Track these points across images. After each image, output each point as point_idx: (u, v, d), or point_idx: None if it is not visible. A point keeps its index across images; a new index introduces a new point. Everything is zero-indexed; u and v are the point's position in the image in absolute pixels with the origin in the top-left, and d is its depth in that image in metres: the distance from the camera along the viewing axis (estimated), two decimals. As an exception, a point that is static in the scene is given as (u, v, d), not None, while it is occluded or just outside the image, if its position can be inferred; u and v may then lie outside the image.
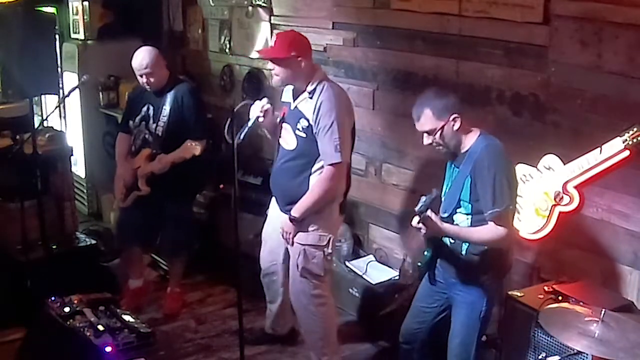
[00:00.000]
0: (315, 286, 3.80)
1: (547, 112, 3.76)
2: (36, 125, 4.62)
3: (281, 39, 3.65)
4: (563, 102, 3.67)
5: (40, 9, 5.25)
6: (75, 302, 3.69)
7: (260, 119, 3.67)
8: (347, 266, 4.75)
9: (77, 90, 5.05)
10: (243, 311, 3.57)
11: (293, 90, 3.72)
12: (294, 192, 3.70)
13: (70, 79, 6.05)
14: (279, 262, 3.99)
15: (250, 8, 5.63)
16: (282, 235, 3.79)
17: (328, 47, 5.02)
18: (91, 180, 6.28)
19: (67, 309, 3.62)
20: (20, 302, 4.17)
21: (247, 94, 5.57)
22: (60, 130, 5.66)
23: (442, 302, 3.39)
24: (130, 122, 4.55)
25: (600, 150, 3.39)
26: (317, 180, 3.64)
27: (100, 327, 3.47)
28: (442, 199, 3.27)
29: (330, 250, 3.78)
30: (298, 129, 3.65)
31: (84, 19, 6.15)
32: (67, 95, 4.68)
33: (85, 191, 6.33)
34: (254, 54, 5.58)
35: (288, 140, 3.73)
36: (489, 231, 3.09)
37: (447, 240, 3.26)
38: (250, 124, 3.57)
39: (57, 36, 5.54)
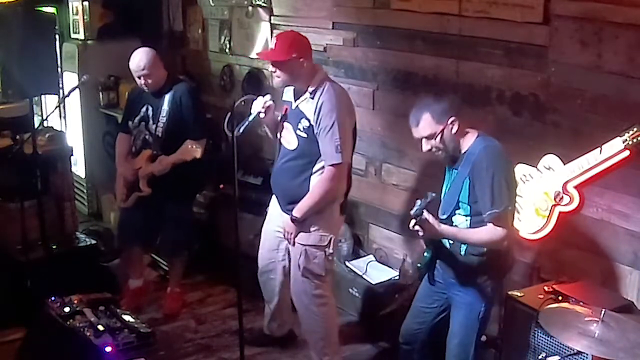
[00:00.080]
0: (316, 286, 3.80)
1: (547, 112, 3.75)
2: (36, 125, 4.62)
3: (281, 40, 3.63)
4: (563, 102, 3.67)
5: (40, 9, 5.25)
6: (75, 302, 3.69)
7: (262, 115, 3.67)
8: (347, 266, 4.75)
9: (77, 90, 5.05)
10: (243, 311, 3.57)
11: (294, 90, 3.72)
12: (295, 192, 3.70)
13: (70, 79, 6.05)
14: (277, 260, 3.99)
15: (250, 8, 5.63)
16: (284, 235, 3.79)
17: (328, 47, 5.02)
18: (91, 180, 6.28)
19: (67, 309, 3.61)
20: (20, 302, 4.17)
21: (248, 93, 5.56)
22: (60, 130, 5.66)
23: (441, 303, 3.39)
24: (130, 123, 4.55)
25: (600, 150, 3.39)
26: (318, 181, 3.64)
27: (100, 327, 3.47)
28: (441, 201, 3.27)
29: (331, 250, 3.78)
30: (299, 129, 3.65)
31: (84, 19, 6.15)
32: (67, 95, 4.68)
33: (85, 191, 6.33)
34: (254, 54, 5.58)
35: (289, 140, 3.73)
36: (488, 232, 3.09)
37: (446, 242, 3.26)
38: (250, 118, 3.57)
39: (57, 36, 5.54)
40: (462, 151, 3.17)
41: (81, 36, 6.21)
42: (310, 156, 3.65)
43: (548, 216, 3.62)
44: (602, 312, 2.74)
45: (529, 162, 3.70)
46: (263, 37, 5.55)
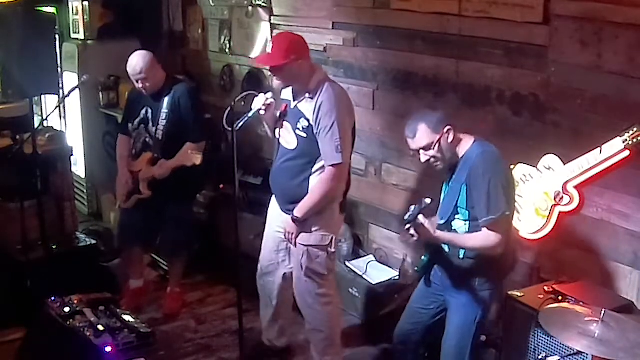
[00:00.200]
0: (320, 285, 3.80)
1: (547, 112, 3.75)
2: (36, 125, 4.62)
3: (278, 44, 3.61)
4: (563, 102, 3.67)
5: (40, 9, 5.25)
6: (75, 302, 3.69)
7: (262, 112, 3.67)
8: (347, 266, 4.75)
9: (77, 90, 5.04)
10: (243, 311, 3.58)
11: (293, 89, 3.72)
12: (294, 192, 3.69)
13: (70, 79, 6.05)
14: (277, 262, 3.98)
15: (250, 8, 5.63)
16: (284, 236, 3.78)
17: (328, 47, 5.02)
18: (91, 180, 6.28)
19: (67, 309, 3.62)
20: (20, 302, 4.17)
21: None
22: (60, 130, 5.66)
23: (438, 304, 3.39)
24: (130, 125, 4.55)
25: (600, 150, 3.39)
26: (319, 181, 3.64)
27: (100, 327, 3.47)
28: (440, 205, 3.28)
29: (333, 250, 3.78)
30: (298, 129, 3.65)
31: (84, 19, 6.16)
32: (67, 95, 4.68)
33: (85, 191, 6.33)
34: (254, 54, 5.57)
35: (288, 139, 3.72)
36: (483, 238, 3.09)
37: (445, 246, 3.26)
38: (250, 114, 3.57)
39: (57, 36, 5.54)
40: (459, 157, 3.18)
41: (81, 36, 6.21)
42: (310, 156, 3.65)
43: (548, 216, 3.63)
44: (602, 312, 2.74)
45: (529, 162, 3.71)
46: (263, 37, 5.55)
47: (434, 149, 3.13)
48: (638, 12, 3.25)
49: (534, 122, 3.82)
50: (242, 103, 3.61)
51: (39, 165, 4.49)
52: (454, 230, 3.21)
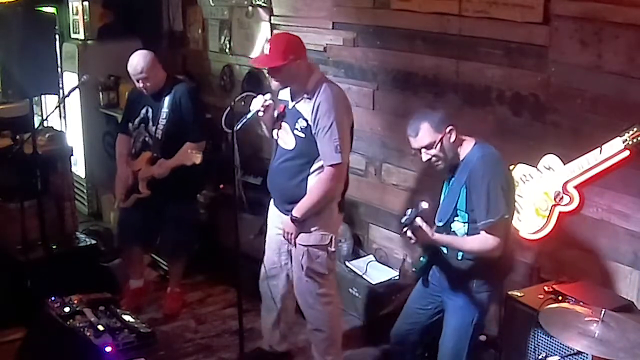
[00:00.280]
0: (320, 285, 3.80)
1: (547, 112, 3.75)
2: (36, 125, 4.62)
3: (275, 45, 3.60)
4: (563, 102, 3.67)
5: (40, 9, 5.26)
6: (75, 302, 3.69)
7: (260, 113, 3.66)
8: (347, 266, 4.75)
9: (77, 90, 5.05)
10: (243, 311, 3.58)
11: (291, 90, 3.71)
12: (293, 192, 3.69)
13: (70, 79, 6.05)
14: (280, 264, 3.95)
15: (250, 8, 5.63)
16: (284, 236, 3.78)
17: (328, 47, 5.02)
18: (91, 180, 6.28)
19: (67, 309, 3.61)
20: (20, 302, 4.17)
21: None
22: (60, 130, 5.66)
23: (436, 305, 3.39)
24: (130, 124, 4.55)
25: (600, 150, 3.39)
26: (318, 181, 3.64)
27: (100, 327, 3.46)
28: (439, 207, 3.28)
29: (333, 249, 3.78)
30: (296, 129, 3.64)
31: (84, 19, 6.16)
32: (67, 95, 4.68)
33: (85, 191, 6.33)
34: (254, 55, 5.57)
35: (286, 140, 3.72)
36: (481, 241, 3.09)
37: (443, 247, 3.26)
38: (249, 115, 3.57)
39: (57, 36, 5.54)
40: (460, 159, 3.18)
41: (81, 36, 6.21)
42: (308, 156, 3.65)
43: (548, 216, 3.63)
44: (602, 312, 2.74)
45: (529, 162, 3.71)
46: (263, 37, 5.55)
47: (435, 148, 3.13)
48: (638, 12, 3.25)
49: (534, 122, 3.82)
50: (242, 103, 3.61)
51: (39, 165, 4.49)
52: (453, 232, 3.21)
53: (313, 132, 3.59)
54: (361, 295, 4.58)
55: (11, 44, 4.33)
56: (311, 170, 3.66)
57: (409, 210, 3.07)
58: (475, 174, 3.09)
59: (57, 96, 5.37)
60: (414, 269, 3.43)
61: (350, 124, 3.70)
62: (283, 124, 3.73)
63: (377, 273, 4.68)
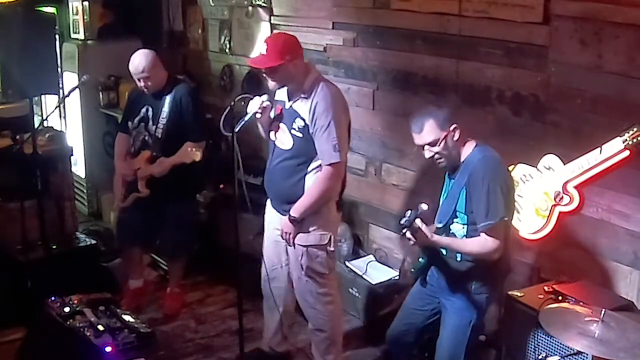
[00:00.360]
0: (321, 285, 3.80)
1: (547, 112, 3.75)
2: (36, 125, 4.62)
3: (272, 45, 3.59)
4: (563, 102, 3.67)
5: (40, 9, 5.26)
6: (75, 302, 3.69)
7: (258, 115, 3.66)
8: (347, 266, 4.75)
9: (77, 90, 5.05)
10: (243, 311, 3.58)
11: (288, 90, 3.71)
12: (291, 192, 3.68)
13: (70, 79, 6.05)
14: (281, 265, 3.94)
15: (250, 8, 5.63)
16: (282, 236, 3.78)
17: (328, 47, 5.02)
18: (91, 180, 6.28)
19: (67, 309, 3.61)
20: (20, 302, 4.17)
21: (247, 93, 5.56)
22: (60, 130, 5.66)
23: (433, 306, 3.39)
24: (129, 123, 4.55)
25: (600, 150, 3.39)
26: (316, 180, 3.64)
27: (100, 327, 3.47)
28: (439, 209, 3.28)
29: (332, 248, 3.77)
30: (294, 129, 3.64)
31: (84, 19, 6.16)
32: (67, 95, 4.69)
33: (85, 191, 6.33)
34: (254, 55, 5.57)
35: (283, 140, 3.71)
36: (480, 243, 3.10)
37: (442, 249, 3.26)
38: (247, 118, 3.56)
39: (57, 36, 5.54)
40: (461, 161, 3.18)
41: (81, 36, 6.21)
42: (306, 156, 3.64)
43: (548, 216, 3.63)
44: (602, 312, 2.74)
45: (529, 162, 3.71)
46: (263, 37, 5.54)
47: (439, 145, 3.14)
48: (638, 12, 3.25)
49: (534, 122, 3.82)
50: (242, 103, 3.60)
51: (39, 165, 4.49)
52: (452, 233, 3.22)
53: (311, 131, 3.59)
54: (361, 296, 4.58)
55: (11, 44, 4.33)
56: (309, 169, 3.66)
57: (409, 212, 3.08)
58: (476, 176, 3.09)
59: (57, 96, 5.38)
60: (412, 270, 3.43)
61: (347, 123, 3.70)
62: (280, 124, 3.72)
63: (377, 273, 4.68)
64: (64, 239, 4.90)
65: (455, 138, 3.14)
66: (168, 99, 4.40)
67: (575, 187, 3.54)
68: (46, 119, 5.10)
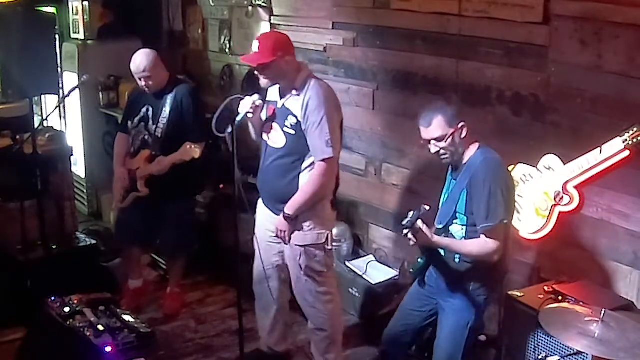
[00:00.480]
0: (320, 284, 3.80)
1: (547, 112, 3.76)
2: (36, 125, 4.62)
3: (264, 42, 3.61)
4: (563, 102, 3.67)
5: (40, 9, 5.26)
6: (75, 302, 3.69)
7: (249, 115, 3.66)
8: (347, 266, 4.75)
9: (77, 90, 5.05)
10: (243, 311, 3.57)
11: (280, 88, 3.71)
12: (285, 191, 3.68)
13: (70, 79, 6.05)
14: (274, 265, 3.93)
15: (250, 8, 5.63)
16: (277, 235, 3.77)
17: (328, 47, 5.02)
18: (91, 180, 6.28)
19: (67, 309, 3.61)
20: (20, 302, 4.17)
21: (246, 93, 5.56)
22: (60, 130, 5.66)
23: (430, 308, 3.39)
24: (129, 123, 4.55)
25: (600, 150, 3.39)
26: (310, 177, 3.63)
27: (100, 327, 3.47)
28: (439, 209, 3.28)
29: (330, 247, 3.77)
30: (286, 126, 3.64)
31: (84, 19, 6.16)
32: (67, 95, 4.68)
33: (85, 191, 6.33)
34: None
35: (276, 139, 3.71)
36: (479, 245, 3.10)
37: (441, 250, 3.26)
38: (239, 118, 3.56)
39: (57, 36, 5.54)
40: (463, 162, 3.19)
41: (81, 36, 6.21)
42: (299, 153, 3.64)
43: (548, 216, 3.63)
44: (602, 312, 2.74)
45: (529, 162, 3.71)
46: (263, 37, 5.55)
47: (446, 141, 3.14)
48: (638, 12, 3.25)
49: (534, 122, 3.83)
50: (239, 102, 3.60)
51: (39, 165, 4.49)
52: (451, 234, 3.22)
53: (303, 128, 3.59)
54: (361, 295, 4.58)
55: (11, 44, 4.33)
56: (302, 167, 3.65)
57: (411, 213, 3.08)
58: (477, 177, 3.10)
59: (57, 96, 5.37)
60: (411, 270, 3.43)
61: (340, 121, 3.70)
62: (273, 124, 3.72)
63: (377, 273, 4.68)
64: (64, 239, 4.90)
65: (463, 136, 3.14)
66: (169, 99, 4.39)
67: (575, 187, 3.54)
68: (46, 119, 5.10)
